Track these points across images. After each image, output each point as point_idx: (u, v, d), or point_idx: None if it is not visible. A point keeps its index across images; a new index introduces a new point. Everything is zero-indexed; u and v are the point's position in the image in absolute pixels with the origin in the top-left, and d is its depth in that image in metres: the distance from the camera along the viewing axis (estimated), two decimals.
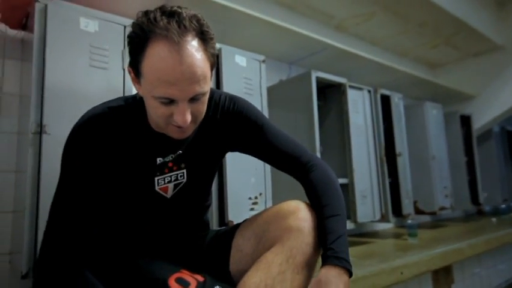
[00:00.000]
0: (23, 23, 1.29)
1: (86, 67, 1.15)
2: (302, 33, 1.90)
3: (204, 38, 0.72)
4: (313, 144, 1.74)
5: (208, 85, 0.75)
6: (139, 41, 0.70)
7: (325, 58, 2.22)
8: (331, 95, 2.03)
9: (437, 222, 3.02)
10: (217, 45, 1.45)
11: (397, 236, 2.29)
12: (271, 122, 0.93)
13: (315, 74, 1.81)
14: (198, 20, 0.71)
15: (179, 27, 0.68)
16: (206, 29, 0.72)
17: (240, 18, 1.68)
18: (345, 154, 1.90)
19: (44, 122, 1.05)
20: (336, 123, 1.98)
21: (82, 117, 0.80)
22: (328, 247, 0.76)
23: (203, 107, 0.77)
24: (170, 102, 0.71)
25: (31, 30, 1.13)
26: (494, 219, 3.03)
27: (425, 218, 3.02)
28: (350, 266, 0.74)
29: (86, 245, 0.77)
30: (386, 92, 2.21)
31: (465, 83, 3.27)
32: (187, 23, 0.68)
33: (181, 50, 0.67)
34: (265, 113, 1.56)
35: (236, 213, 1.36)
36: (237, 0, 1.60)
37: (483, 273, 2.86)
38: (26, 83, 1.23)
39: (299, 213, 0.82)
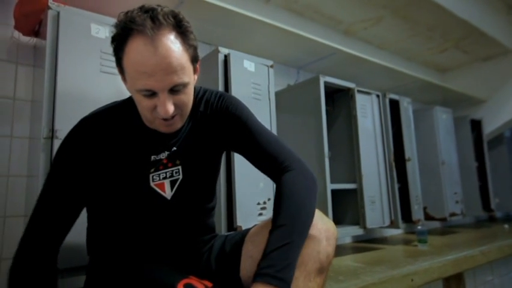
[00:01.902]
0: (36, 29, 1.31)
1: (97, 73, 1.17)
2: (310, 38, 1.90)
3: (181, 31, 0.74)
4: (322, 149, 1.73)
5: (189, 76, 0.76)
6: (119, 39, 0.73)
7: (333, 63, 2.21)
8: (339, 100, 2.02)
9: (448, 228, 2.97)
10: (226, 50, 1.46)
11: (407, 242, 2.26)
12: (258, 121, 0.91)
13: (323, 79, 1.80)
14: (175, 16, 0.74)
15: (153, 22, 0.71)
16: (184, 23, 0.75)
17: (248, 24, 1.69)
18: (353, 159, 1.89)
19: (56, 127, 1.07)
20: (344, 128, 1.98)
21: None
22: (258, 265, 0.70)
23: (187, 98, 0.78)
24: (152, 94, 0.74)
25: (43, 37, 1.15)
26: (506, 226, 2.97)
27: (435, 224, 2.98)
28: (275, 279, 0.66)
29: (55, 247, 0.80)
30: (395, 97, 2.19)
31: (475, 87, 3.23)
32: (161, 18, 0.71)
33: (155, 42, 0.70)
34: (274, 117, 1.55)
35: (244, 218, 1.36)
36: (245, 5, 1.61)
37: (496, 281, 2.80)
38: (38, 88, 1.24)
39: None
